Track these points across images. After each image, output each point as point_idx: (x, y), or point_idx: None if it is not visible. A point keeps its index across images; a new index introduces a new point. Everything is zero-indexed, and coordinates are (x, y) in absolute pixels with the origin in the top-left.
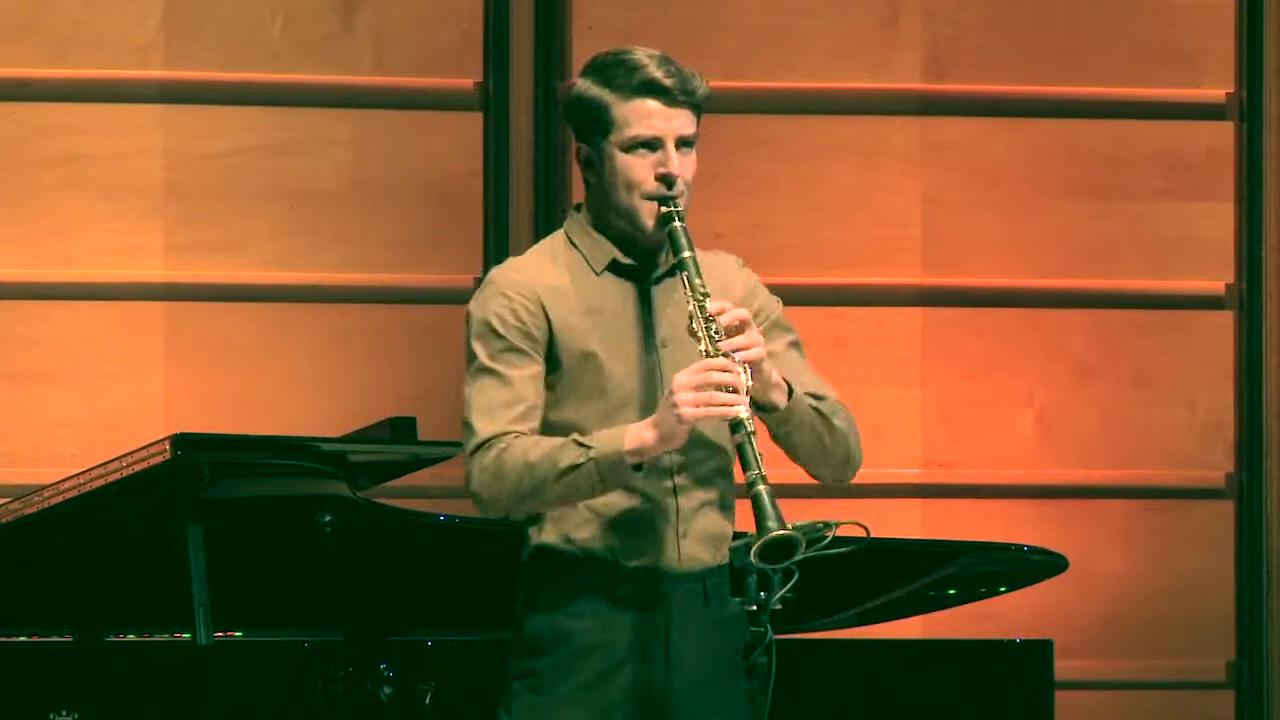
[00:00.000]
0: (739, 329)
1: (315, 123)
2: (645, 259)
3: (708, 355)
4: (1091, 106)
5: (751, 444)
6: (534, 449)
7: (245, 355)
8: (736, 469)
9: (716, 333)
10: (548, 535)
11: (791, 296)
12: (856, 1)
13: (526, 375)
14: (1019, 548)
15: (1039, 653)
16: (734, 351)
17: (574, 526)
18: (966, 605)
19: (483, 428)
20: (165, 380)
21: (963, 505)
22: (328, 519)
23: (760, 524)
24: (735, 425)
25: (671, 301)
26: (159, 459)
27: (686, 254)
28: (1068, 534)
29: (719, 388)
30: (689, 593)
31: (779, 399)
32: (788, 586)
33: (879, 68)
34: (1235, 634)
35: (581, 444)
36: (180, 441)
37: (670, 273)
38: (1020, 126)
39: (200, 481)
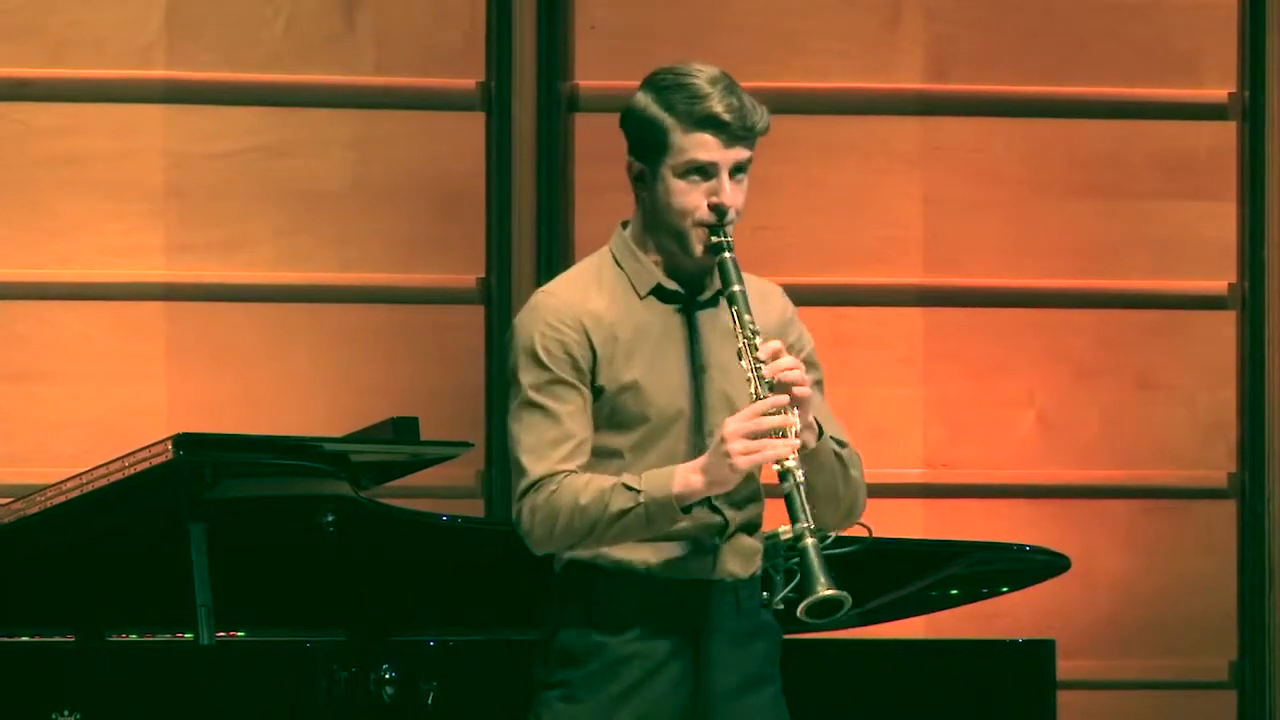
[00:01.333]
0: (792, 369)
1: (317, 123)
2: (689, 283)
3: (757, 397)
4: (1093, 106)
5: (800, 494)
6: (584, 491)
7: (247, 355)
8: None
9: (766, 379)
10: (580, 551)
11: (793, 297)
12: (858, 2)
13: (574, 409)
14: (1021, 548)
15: (1041, 652)
16: (782, 394)
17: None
18: (969, 605)
19: (533, 467)
20: (166, 380)
21: (965, 505)
22: (330, 519)
23: (808, 582)
24: (784, 474)
25: (714, 328)
26: (161, 459)
27: (736, 288)
28: (1069, 534)
29: (770, 433)
30: (721, 604)
31: (810, 440)
32: (790, 586)
33: (880, 68)
34: (1237, 634)
35: (631, 488)
36: (182, 441)
37: (713, 300)
38: (1022, 126)
39: (202, 481)
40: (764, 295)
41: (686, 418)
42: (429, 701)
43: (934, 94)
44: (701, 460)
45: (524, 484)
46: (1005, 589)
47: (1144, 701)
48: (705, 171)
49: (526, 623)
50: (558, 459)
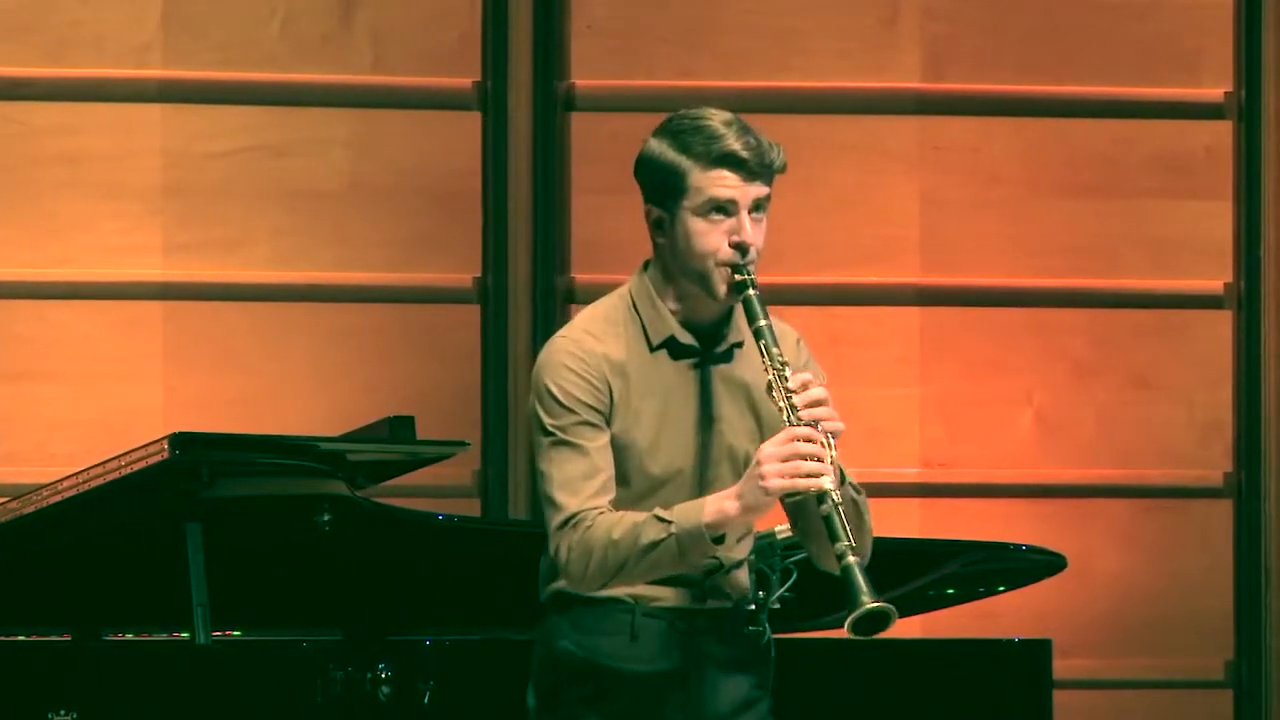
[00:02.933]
0: (821, 402)
1: (314, 122)
2: (704, 336)
3: (790, 424)
4: (1090, 106)
5: (839, 514)
6: (617, 526)
7: (244, 355)
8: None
9: (799, 409)
10: (616, 586)
11: (790, 296)
12: (856, 1)
13: (600, 445)
14: (1017, 547)
15: (1038, 652)
16: (817, 423)
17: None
18: (965, 605)
19: (567, 503)
20: (164, 379)
21: (961, 504)
22: (326, 518)
23: (853, 598)
24: (821, 497)
25: (725, 381)
26: (157, 458)
27: (763, 322)
28: (1066, 533)
29: (805, 458)
30: (709, 633)
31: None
32: (786, 586)
33: (878, 68)
34: (1234, 633)
35: (663, 519)
36: (179, 441)
37: (726, 355)
38: (1019, 126)
39: (199, 481)
40: (781, 335)
41: (686, 473)
42: (425, 701)
43: (931, 94)
44: (735, 488)
45: (559, 519)
46: (1002, 588)
47: (1141, 701)
48: (725, 210)
49: (523, 623)
50: (589, 493)
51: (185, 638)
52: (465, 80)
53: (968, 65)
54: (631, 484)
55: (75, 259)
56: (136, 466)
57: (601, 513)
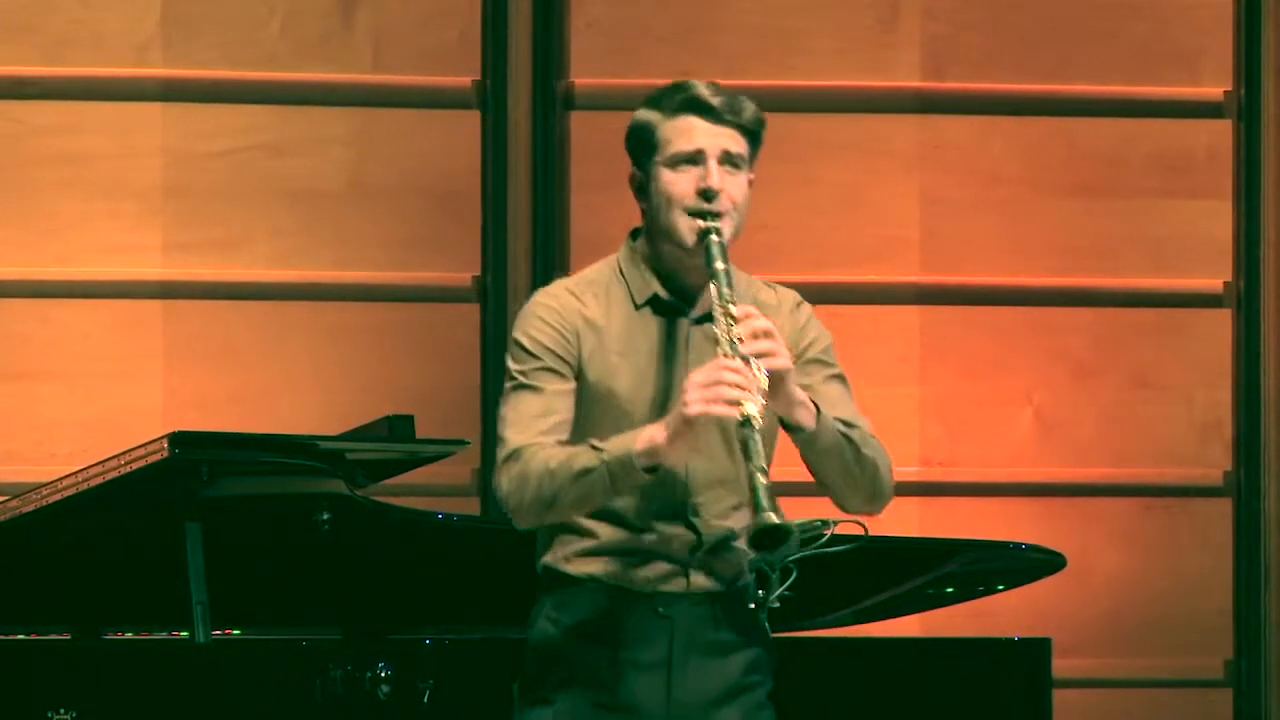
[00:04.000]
0: (764, 336)
1: (314, 121)
2: (687, 296)
3: (724, 357)
4: (1090, 105)
5: (754, 439)
6: (554, 457)
7: (243, 354)
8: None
9: (738, 344)
10: (556, 560)
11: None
12: (856, 1)
13: (559, 390)
14: (1017, 546)
15: (1037, 651)
16: (755, 356)
17: (583, 555)
18: (964, 604)
19: (512, 438)
20: (164, 379)
21: (961, 503)
22: (325, 517)
23: (756, 511)
24: (743, 422)
25: (708, 343)
26: (157, 457)
27: (719, 265)
28: (1066, 532)
29: (728, 386)
30: (697, 616)
31: (805, 420)
32: (786, 585)
33: (878, 67)
34: (1233, 632)
35: (596, 448)
36: (178, 439)
37: (708, 316)
38: (1019, 125)
39: (198, 479)
40: (776, 308)
41: None
42: (425, 700)
43: (931, 93)
44: (666, 417)
45: (504, 454)
46: (1001, 587)
47: (1140, 700)
48: (694, 160)
49: (522, 621)
50: (538, 430)
51: (185, 636)
52: (465, 79)
53: (968, 64)
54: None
55: (75, 258)
56: (136, 465)
57: (544, 446)
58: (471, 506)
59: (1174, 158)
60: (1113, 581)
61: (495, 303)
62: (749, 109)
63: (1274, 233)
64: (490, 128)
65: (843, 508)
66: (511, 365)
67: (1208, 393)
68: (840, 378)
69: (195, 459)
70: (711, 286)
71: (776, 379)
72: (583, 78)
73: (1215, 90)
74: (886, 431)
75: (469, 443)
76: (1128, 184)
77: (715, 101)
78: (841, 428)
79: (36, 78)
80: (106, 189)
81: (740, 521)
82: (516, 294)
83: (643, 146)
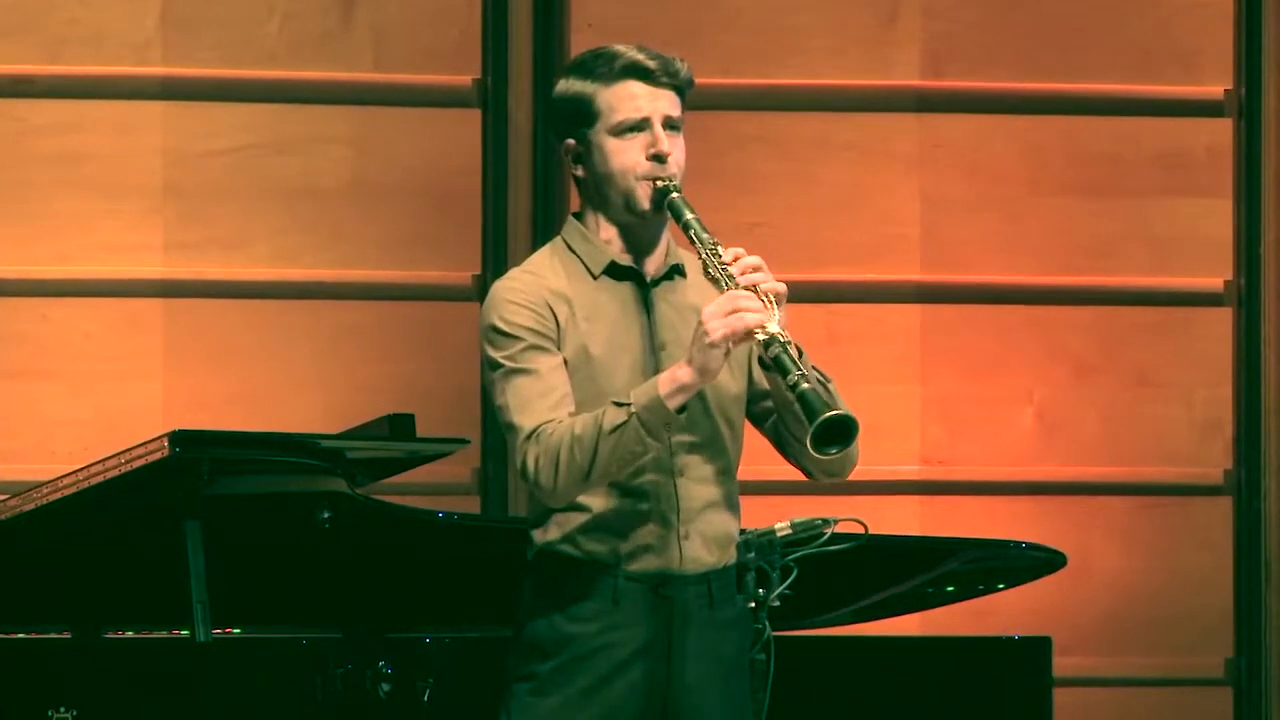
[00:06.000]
0: (756, 269)
1: (314, 120)
2: (642, 259)
3: (729, 289)
4: (1090, 103)
5: (788, 352)
6: (578, 423)
7: (244, 353)
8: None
9: (737, 278)
10: (551, 537)
11: (790, 293)
12: None
13: (552, 365)
14: (1017, 545)
15: (1037, 650)
16: (755, 286)
17: (577, 529)
18: (965, 602)
19: (524, 423)
20: (164, 377)
21: (961, 502)
22: (326, 516)
23: (811, 413)
24: (768, 341)
25: (670, 304)
26: (157, 455)
27: (690, 215)
28: (1066, 531)
29: (745, 311)
30: (693, 595)
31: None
32: (786, 583)
33: (877, 65)
34: (1234, 631)
35: (620, 404)
36: (179, 438)
37: (668, 275)
38: (1019, 124)
39: (199, 478)
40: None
41: None
42: (425, 699)
43: (931, 91)
44: (686, 355)
45: (521, 439)
46: (1002, 586)
47: (1140, 698)
48: (639, 127)
49: None
50: (545, 409)
51: (185, 635)
52: (465, 78)
53: (967, 63)
54: (600, 400)
55: (75, 257)
56: (136, 464)
57: (558, 421)
58: (472, 505)
59: (1174, 156)
60: (1113, 580)
61: None
62: (682, 68)
63: (1274, 231)
64: (490, 126)
65: (807, 472)
66: (493, 353)
67: (1208, 391)
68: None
69: (195, 458)
70: (689, 234)
71: (778, 300)
72: None
73: (1216, 89)
74: (887, 431)
75: (469, 441)
76: (1128, 183)
77: (653, 65)
78: (820, 376)
79: (37, 76)
80: (107, 188)
81: (726, 488)
82: None
83: (578, 116)
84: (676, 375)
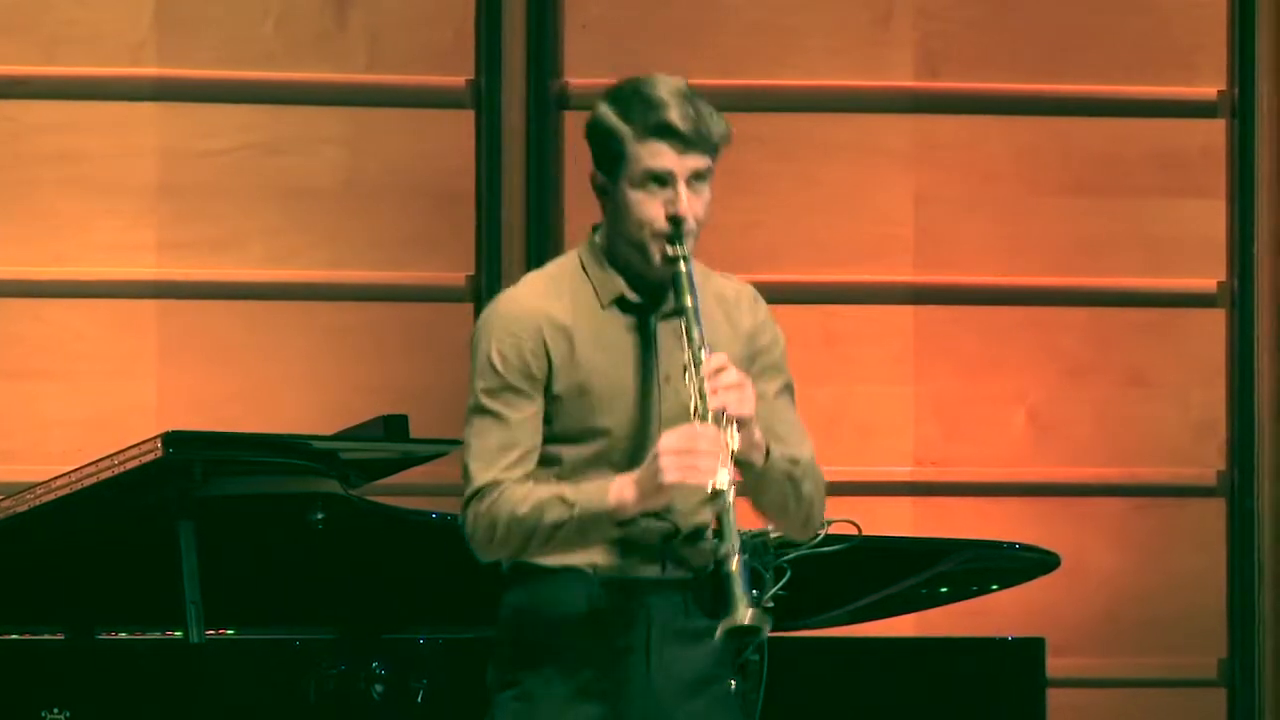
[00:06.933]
0: (730, 388)
1: (308, 121)
2: (652, 294)
3: (701, 416)
4: (1085, 104)
5: (729, 516)
6: (523, 502)
7: (238, 353)
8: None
9: (705, 395)
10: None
11: (785, 294)
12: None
13: (524, 417)
14: (1011, 545)
15: (1031, 650)
16: (723, 411)
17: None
18: (958, 603)
19: (476, 474)
20: (158, 378)
21: (955, 503)
22: (320, 517)
23: (728, 606)
24: (715, 494)
25: (676, 339)
26: (151, 456)
27: (688, 301)
28: (1060, 532)
29: (702, 455)
30: (670, 604)
31: (757, 459)
32: (780, 584)
33: (873, 65)
34: (1227, 632)
35: (566, 501)
36: (172, 439)
37: (677, 311)
38: (1014, 124)
39: (192, 479)
40: (735, 301)
41: (643, 429)
42: (419, 699)
43: (926, 91)
44: (636, 473)
45: (469, 491)
46: (995, 587)
47: (1134, 699)
48: (662, 180)
49: None
50: (502, 466)
51: (179, 636)
52: (459, 79)
53: (962, 63)
54: (584, 440)
55: (70, 257)
56: (130, 465)
57: (509, 486)
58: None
59: (1169, 157)
60: (1106, 581)
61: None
62: (718, 127)
63: (1268, 232)
64: (485, 127)
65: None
66: (476, 380)
67: (1202, 392)
68: (790, 388)
69: (189, 458)
70: (681, 324)
71: (742, 423)
72: (577, 77)
73: (1210, 90)
74: (880, 431)
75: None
76: (1122, 183)
77: (685, 128)
78: (787, 465)
79: (32, 77)
80: (102, 188)
81: (707, 518)
82: None
83: (609, 154)
84: (623, 493)
